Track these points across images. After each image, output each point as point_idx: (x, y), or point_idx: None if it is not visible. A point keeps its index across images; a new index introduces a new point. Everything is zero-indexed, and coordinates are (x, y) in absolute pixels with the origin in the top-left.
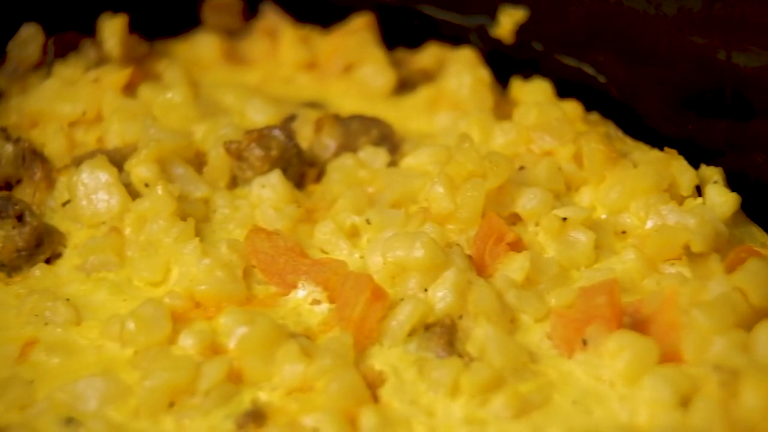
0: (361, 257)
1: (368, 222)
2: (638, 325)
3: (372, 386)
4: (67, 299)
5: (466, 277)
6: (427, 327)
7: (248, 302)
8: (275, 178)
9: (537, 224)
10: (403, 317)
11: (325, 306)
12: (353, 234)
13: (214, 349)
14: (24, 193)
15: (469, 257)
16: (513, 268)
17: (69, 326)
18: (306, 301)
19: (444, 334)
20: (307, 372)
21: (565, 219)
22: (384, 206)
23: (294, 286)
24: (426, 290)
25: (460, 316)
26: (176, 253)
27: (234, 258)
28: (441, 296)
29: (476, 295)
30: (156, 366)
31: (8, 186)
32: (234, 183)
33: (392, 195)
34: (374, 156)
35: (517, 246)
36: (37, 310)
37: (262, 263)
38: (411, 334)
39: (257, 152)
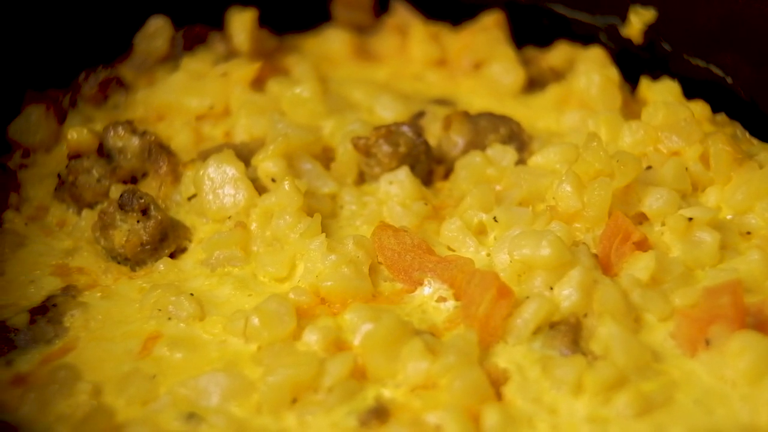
0: (488, 255)
1: (495, 220)
2: (761, 325)
3: (495, 384)
4: (191, 294)
5: (591, 276)
6: (552, 325)
7: (374, 299)
8: (403, 174)
9: (663, 224)
10: (529, 315)
11: (450, 303)
12: (480, 231)
13: (338, 345)
14: (149, 186)
15: (595, 256)
16: (638, 267)
17: (192, 321)
18: (432, 299)
19: (569, 333)
20: (431, 369)
21: (690, 219)
22: (511, 204)
23: (420, 283)
24: (552, 288)
25: (585, 315)
26: (302, 249)
27: (360, 254)
28: (566, 294)
29: (602, 294)
30: (279, 362)
31: (134, 179)
32: (361, 179)
33: (520, 193)
34: (502, 154)
35: (642, 245)
36: (160, 305)
37: (388, 260)
38: (536, 332)
39: (385, 148)
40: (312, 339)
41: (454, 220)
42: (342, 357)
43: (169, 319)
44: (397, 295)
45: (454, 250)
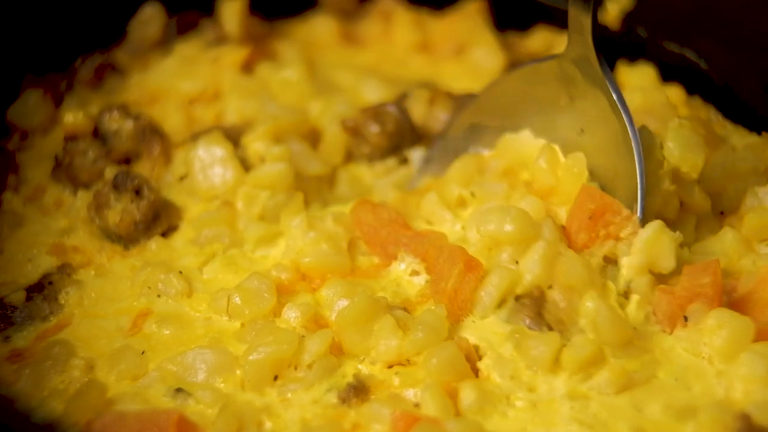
0: (463, 228)
1: (473, 194)
2: (735, 303)
3: (471, 360)
4: (180, 272)
5: (555, 249)
6: (517, 298)
7: (352, 273)
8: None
9: None
10: (492, 287)
11: (423, 277)
12: (460, 204)
13: (317, 321)
14: (143, 167)
15: (563, 228)
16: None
17: (181, 298)
18: (406, 273)
19: (533, 305)
20: (402, 346)
21: None
22: (492, 178)
23: (395, 258)
24: (517, 262)
25: (550, 287)
26: (285, 227)
27: (339, 230)
28: (530, 268)
29: (566, 267)
30: (261, 340)
31: (127, 161)
32: (349, 158)
33: (501, 165)
34: None
35: None
36: (150, 282)
37: (365, 235)
38: (501, 305)
39: (374, 129)
40: (291, 316)
41: (431, 194)
42: (320, 334)
43: (159, 296)
44: (374, 269)
45: (431, 224)
